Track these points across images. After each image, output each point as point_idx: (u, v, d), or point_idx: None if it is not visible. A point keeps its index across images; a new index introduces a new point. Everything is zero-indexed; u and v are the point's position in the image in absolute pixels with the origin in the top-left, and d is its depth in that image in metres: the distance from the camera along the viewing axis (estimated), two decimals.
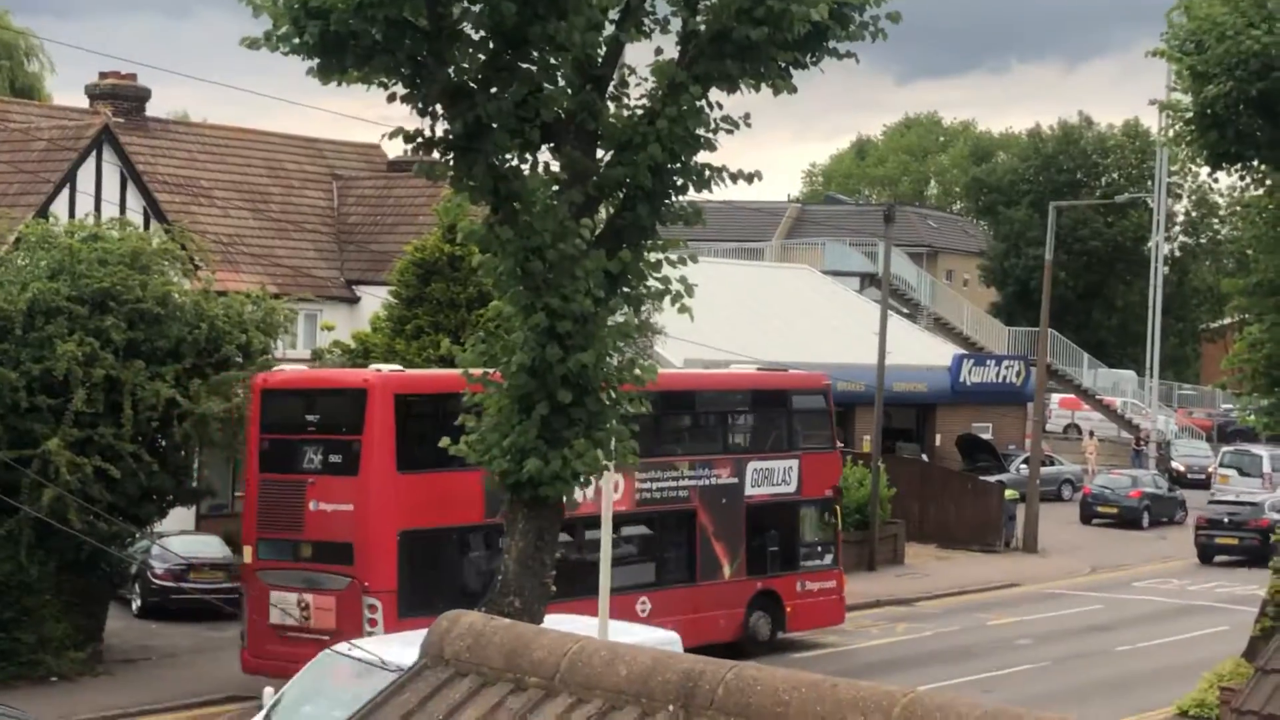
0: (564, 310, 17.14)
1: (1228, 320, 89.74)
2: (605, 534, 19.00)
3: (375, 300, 40.20)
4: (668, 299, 17.83)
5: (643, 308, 18.49)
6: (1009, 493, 49.13)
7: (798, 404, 34.35)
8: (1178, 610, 39.30)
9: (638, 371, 18.25)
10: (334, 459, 26.39)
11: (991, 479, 51.40)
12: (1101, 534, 52.74)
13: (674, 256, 18.04)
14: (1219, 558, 47.41)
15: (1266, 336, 28.96)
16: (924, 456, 55.18)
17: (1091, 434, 70.26)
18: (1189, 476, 64.12)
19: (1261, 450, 61.23)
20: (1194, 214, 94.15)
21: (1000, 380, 59.76)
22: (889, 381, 46.92)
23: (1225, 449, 64.17)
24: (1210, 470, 63.09)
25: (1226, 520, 48.02)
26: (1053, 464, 59.85)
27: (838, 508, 34.12)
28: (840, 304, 61.07)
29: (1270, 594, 29.27)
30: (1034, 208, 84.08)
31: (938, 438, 58.25)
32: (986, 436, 59.41)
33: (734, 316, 49.87)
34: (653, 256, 17.91)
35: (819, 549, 33.62)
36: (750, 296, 55.46)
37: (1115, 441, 71.34)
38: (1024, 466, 54.49)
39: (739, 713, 5.02)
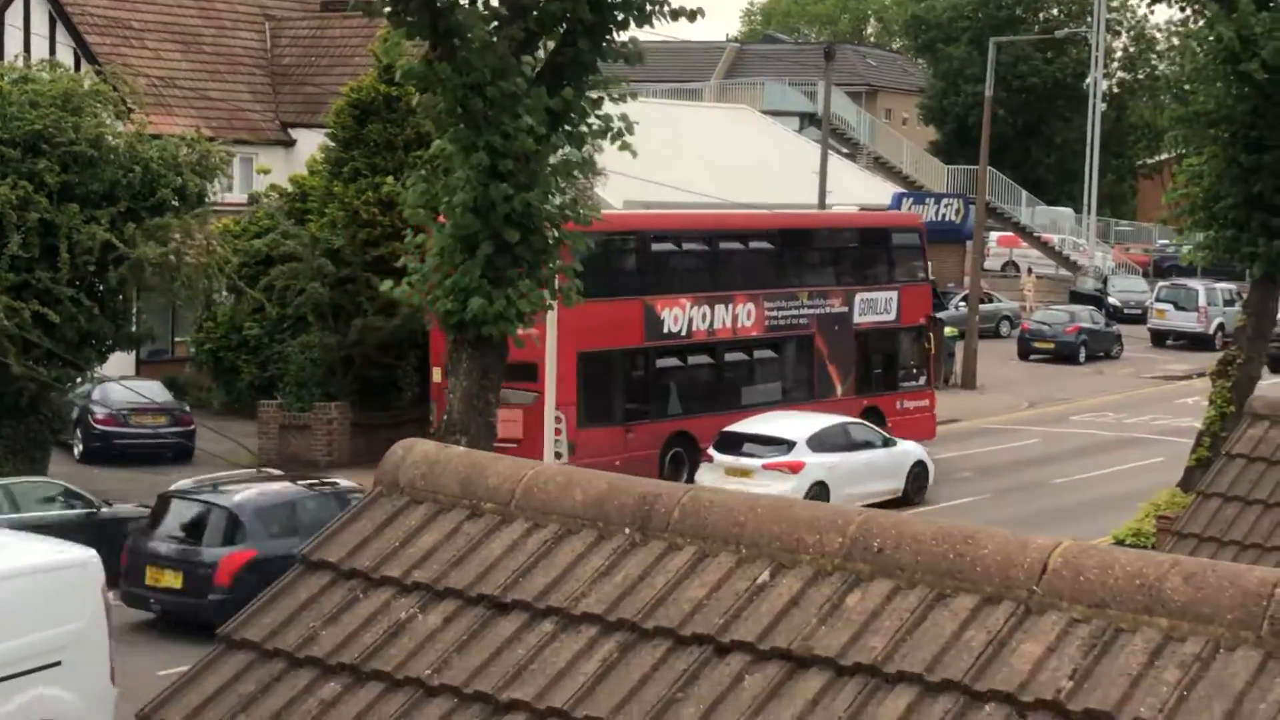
0: (506, 148, 16.97)
1: (1165, 156, 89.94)
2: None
3: (311, 143, 39.73)
4: (609, 137, 17.70)
5: (584, 146, 18.32)
6: (948, 330, 49.36)
7: (897, 240, 38.25)
8: (1114, 443, 39.79)
9: (582, 210, 18.14)
10: None
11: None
12: (1039, 369, 53.20)
13: (615, 94, 17.85)
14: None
15: (1206, 168, 29.00)
16: None
17: (1030, 271, 70.63)
18: (1126, 312, 64.68)
19: (1197, 284, 61.76)
20: (1132, 49, 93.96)
21: (940, 219, 59.79)
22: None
23: (1161, 284, 64.67)
24: (1147, 305, 63.66)
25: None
26: (991, 301, 60.18)
27: (930, 334, 37.46)
28: (780, 144, 60.81)
29: (1206, 425, 29.63)
30: (973, 45, 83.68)
31: None
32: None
33: (673, 157, 49.54)
34: (594, 94, 17.73)
35: (915, 371, 37.08)
36: (689, 137, 55.10)
37: (1053, 279, 71.74)
38: (963, 304, 54.75)
39: (695, 534, 5.04)
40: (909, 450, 31.93)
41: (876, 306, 36.29)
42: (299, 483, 23.55)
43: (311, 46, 46.14)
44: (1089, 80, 75.14)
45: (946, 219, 60.17)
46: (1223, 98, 28.80)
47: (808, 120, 67.49)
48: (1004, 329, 60.21)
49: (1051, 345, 54.69)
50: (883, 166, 66.73)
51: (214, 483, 23.54)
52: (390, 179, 27.66)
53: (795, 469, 29.10)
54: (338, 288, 33.61)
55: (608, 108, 17.72)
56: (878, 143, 69.23)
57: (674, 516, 5.09)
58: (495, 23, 17.32)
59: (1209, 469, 26.94)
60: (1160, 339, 60.16)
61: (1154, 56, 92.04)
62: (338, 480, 24.42)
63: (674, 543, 5.05)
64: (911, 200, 59.74)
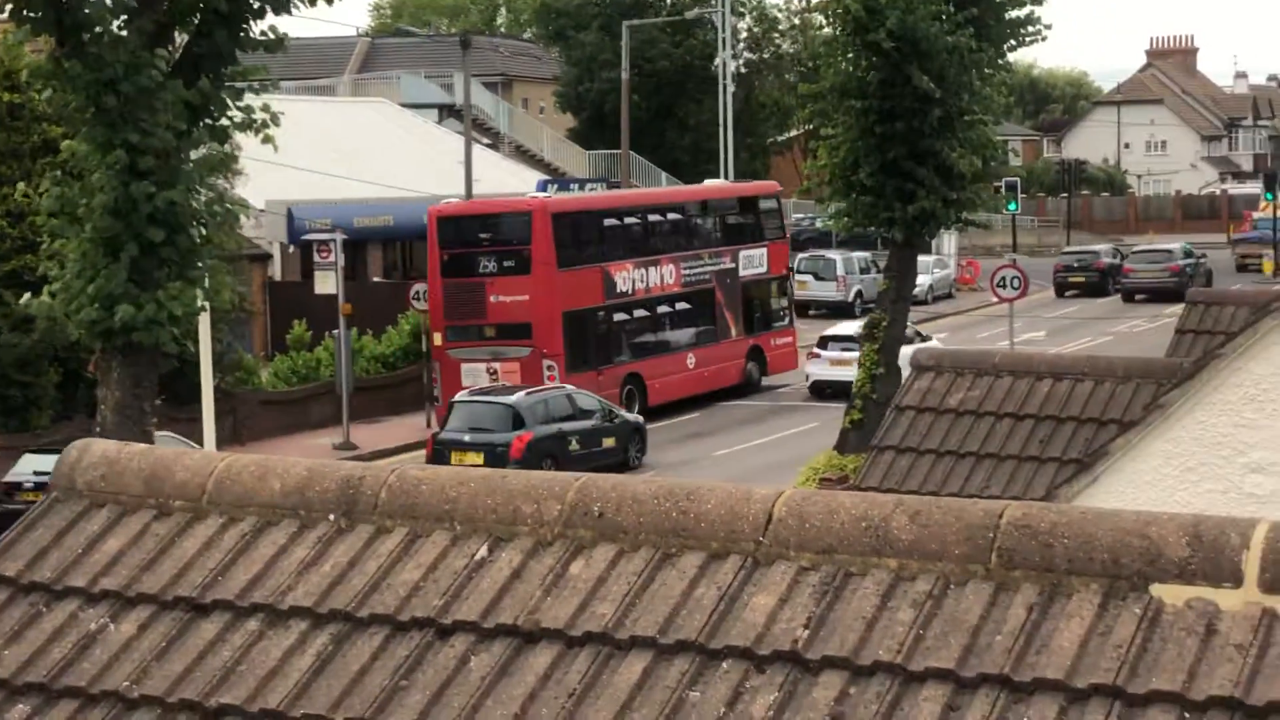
0: (144, 145, 16.32)
1: (794, 133, 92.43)
2: None
3: None
4: (252, 129, 17.18)
5: (226, 142, 17.75)
6: None
7: (763, 205, 45.32)
8: (770, 411, 40.61)
9: (229, 206, 17.58)
10: (508, 263, 36.79)
11: None
12: None
13: (257, 83, 17.35)
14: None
15: (842, 139, 29.80)
16: None
17: None
18: None
19: (835, 255, 63.53)
20: (756, 30, 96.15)
21: None
22: None
23: (801, 256, 66.33)
24: None
25: None
26: None
27: (789, 283, 46.13)
28: (421, 136, 60.41)
29: (857, 387, 30.47)
30: (604, 31, 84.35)
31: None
32: None
33: (313, 155, 48.76)
34: (236, 85, 17.20)
35: (781, 313, 44.72)
36: (328, 133, 54.29)
37: None
38: None
39: (405, 515, 4.80)
40: None
41: (754, 261, 43.43)
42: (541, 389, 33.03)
43: None
44: (717, 62, 76.61)
45: None
46: (853, 70, 29.61)
47: (447, 112, 67.23)
48: None
49: None
50: (524, 155, 66.92)
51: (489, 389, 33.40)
52: (20, 186, 26.58)
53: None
54: None
55: (250, 99, 17.19)
56: (517, 132, 69.40)
57: (381, 498, 4.84)
58: (125, 16, 16.63)
59: (863, 428, 27.61)
60: (803, 309, 61.63)
61: (777, 36, 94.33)
62: (565, 385, 33.80)
63: (383, 526, 4.81)
64: (556, 186, 59.89)
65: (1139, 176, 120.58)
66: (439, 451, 30.86)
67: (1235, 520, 4.11)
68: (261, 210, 44.65)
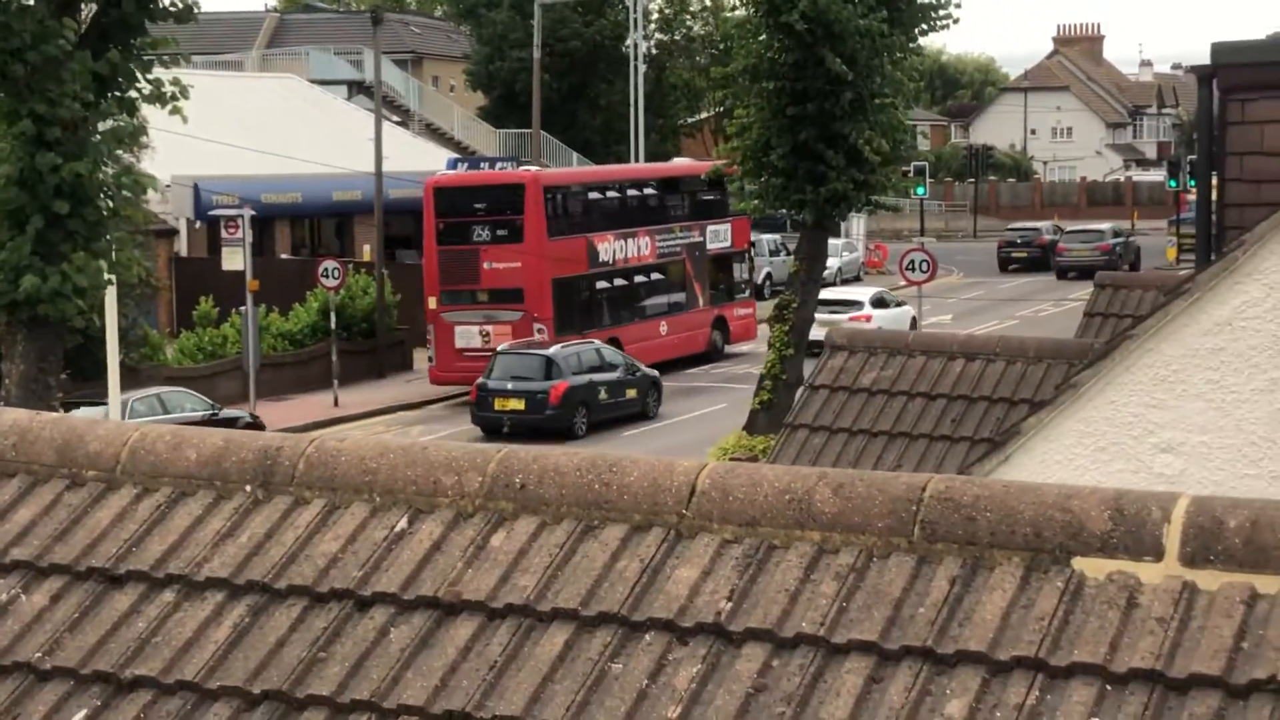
0: (51, 115, 16.09)
1: (705, 115, 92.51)
2: None
3: None
4: (160, 101, 16.97)
5: (135, 115, 17.50)
6: None
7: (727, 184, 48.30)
8: (679, 392, 40.65)
9: (136, 179, 17.37)
10: (501, 232, 39.36)
11: None
12: None
13: (166, 55, 17.14)
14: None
15: (754, 120, 29.84)
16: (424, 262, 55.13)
17: None
18: None
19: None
20: (668, 11, 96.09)
21: None
22: (386, 189, 46.46)
23: None
24: None
25: None
26: None
27: (750, 256, 49.43)
28: (330, 113, 59.97)
29: (767, 368, 30.54)
30: (515, 9, 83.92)
31: None
32: None
33: (221, 131, 48.25)
34: (145, 57, 16.97)
35: (743, 285, 48.06)
36: (235, 109, 53.78)
37: None
38: None
39: (324, 486, 4.74)
40: None
41: (719, 236, 46.72)
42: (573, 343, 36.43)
43: None
44: (629, 42, 76.49)
45: None
46: (765, 51, 29.64)
47: (356, 88, 66.77)
48: None
49: None
50: (435, 133, 66.60)
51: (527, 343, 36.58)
52: None
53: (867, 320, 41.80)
54: None
55: (159, 71, 16.97)
56: (428, 110, 69.05)
57: (299, 469, 4.78)
58: None
59: (772, 409, 27.68)
60: None
61: (689, 17, 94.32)
62: (592, 340, 37.50)
63: (301, 496, 4.75)
64: (467, 165, 59.66)
65: (1045, 163, 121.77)
66: (483, 399, 34.63)
67: (1157, 494, 4.14)
68: (168, 185, 44.15)
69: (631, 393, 36.07)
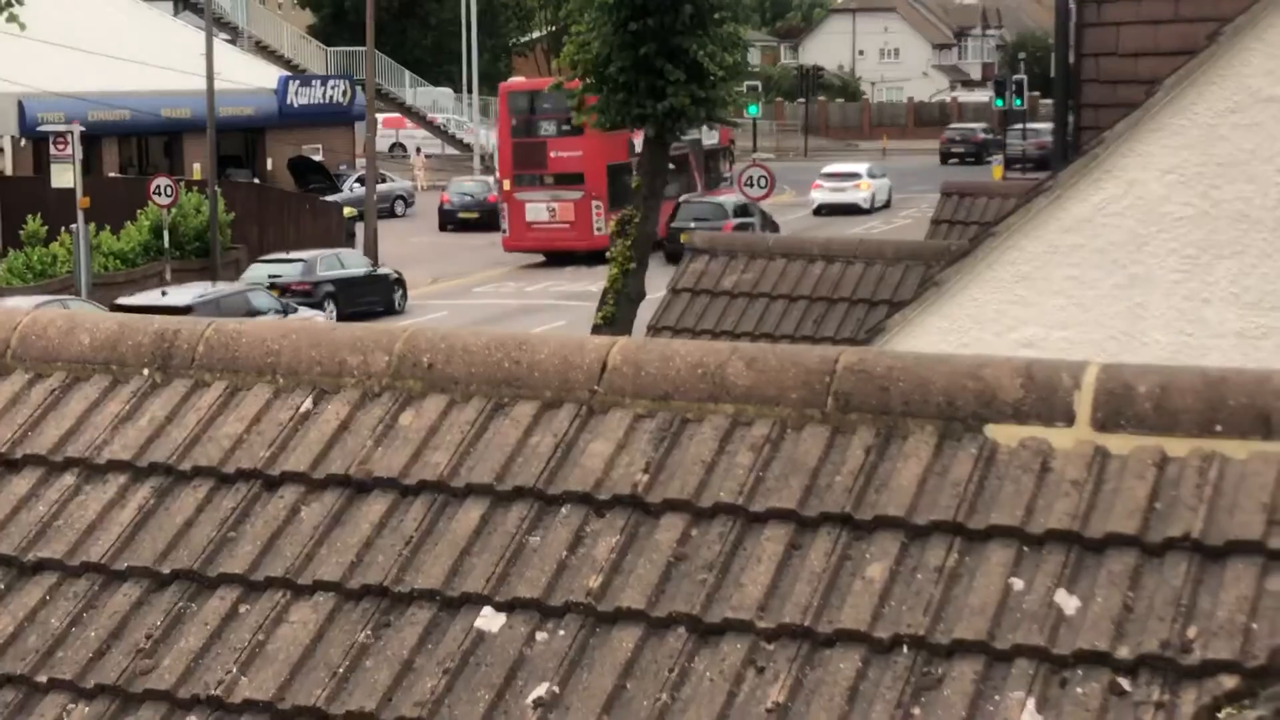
0: None
1: (537, 35, 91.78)
2: None
3: None
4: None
5: None
6: (347, 211, 49.10)
7: None
8: (519, 310, 40.60)
9: None
10: (564, 127, 45.18)
11: (327, 199, 51.20)
12: (443, 244, 53.63)
13: None
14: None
15: (594, 35, 29.65)
16: (256, 180, 54.27)
17: (419, 150, 70.91)
18: None
19: None
20: None
21: (328, 101, 59.20)
22: (217, 106, 45.54)
23: None
24: None
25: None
26: (385, 182, 60.15)
27: (731, 151, 60.35)
28: (157, 29, 58.59)
29: (610, 283, 30.49)
30: None
31: (269, 161, 57.34)
32: (318, 158, 58.94)
33: (45, 46, 46.95)
34: None
35: (725, 175, 56.34)
36: (60, 25, 52.29)
37: (441, 156, 72.32)
38: (357, 185, 54.48)
39: (225, 368, 4.66)
40: None
41: (710, 134, 53.50)
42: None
43: None
44: None
45: (334, 100, 59.63)
46: None
47: (183, 4, 65.30)
48: (399, 208, 60.38)
49: (477, 215, 55.67)
50: (265, 51, 65.39)
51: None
52: None
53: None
54: None
55: None
56: (257, 26, 67.72)
57: (199, 351, 4.69)
58: None
59: (614, 323, 27.62)
60: None
61: None
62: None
63: (201, 379, 4.66)
64: (298, 83, 58.85)
65: (873, 83, 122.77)
66: (673, 233, 41.17)
67: (1067, 362, 4.20)
68: None
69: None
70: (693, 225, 43.50)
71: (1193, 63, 8.61)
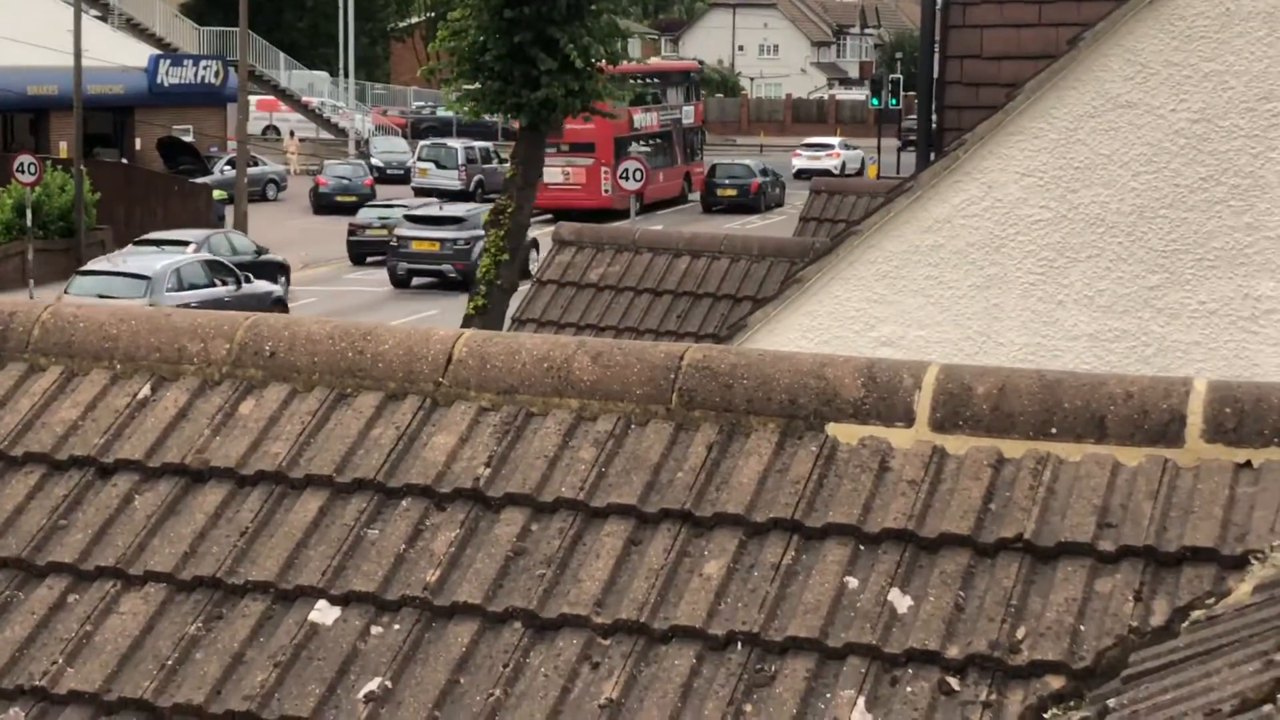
0: None
1: (415, 20, 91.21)
2: None
3: None
4: None
5: None
6: (217, 193, 48.52)
7: (693, 76, 70.51)
8: (391, 297, 40.33)
9: None
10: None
11: (197, 181, 50.56)
12: (317, 229, 53.12)
13: None
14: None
15: (472, 23, 29.52)
16: (124, 160, 53.47)
17: (292, 134, 70.24)
18: (389, 172, 65.51)
19: (456, 143, 63.24)
20: None
21: (199, 81, 58.46)
22: (85, 85, 44.80)
23: (422, 144, 65.83)
24: (409, 165, 64.72)
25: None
26: (257, 164, 59.50)
27: (703, 130, 69.55)
28: (24, 3, 57.46)
29: (482, 273, 30.40)
30: None
31: (138, 141, 56.51)
32: (188, 139, 58.19)
33: None
34: None
35: (698, 151, 66.21)
36: None
37: (315, 140, 71.67)
38: (228, 168, 53.85)
39: (61, 353, 4.57)
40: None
41: (689, 114, 65.69)
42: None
43: None
44: None
45: (206, 81, 58.89)
46: None
47: None
48: (270, 191, 59.77)
49: (355, 198, 55.19)
50: (135, 28, 64.35)
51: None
52: None
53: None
54: None
55: None
56: (127, 4, 66.62)
57: (34, 335, 4.59)
58: None
59: (487, 314, 27.55)
60: (424, 196, 61.34)
61: None
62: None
63: (36, 363, 4.57)
64: (170, 62, 58.04)
65: (752, 79, 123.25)
66: (710, 188, 59.96)
67: (908, 362, 4.22)
68: None
69: (775, 191, 62.57)
70: (727, 182, 60.27)
71: (1053, 67, 8.71)
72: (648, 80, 61.89)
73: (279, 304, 34.37)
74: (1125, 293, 8.73)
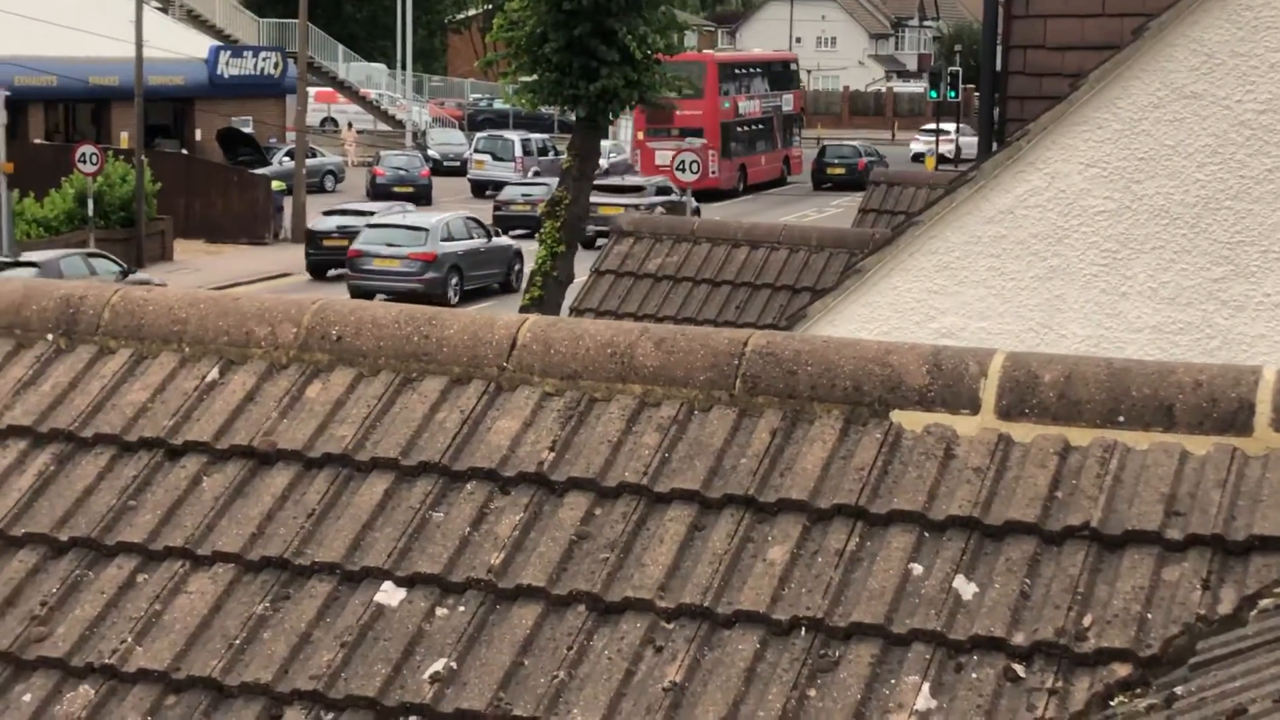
0: None
1: (472, 12, 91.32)
2: None
3: None
4: None
5: None
6: (275, 185, 48.76)
7: (792, 67, 74.75)
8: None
9: None
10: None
11: (256, 172, 50.82)
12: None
13: None
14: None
15: (529, 13, 29.55)
16: (184, 151, 53.82)
17: (350, 126, 70.51)
18: (445, 164, 65.68)
19: (513, 135, 63.35)
20: None
21: (259, 73, 58.76)
22: (146, 75, 45.13)
23: (479, 136, 65.97)
24: (466, 157, 64.86)
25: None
26: (315, 156, 59.78)
27: (802, 117, 74.13)
28: None
29: (538, 264, 30.45)
30: None
31: (198, 132, 56.85)
32: (248, 130, 58.50)
33: None
34: None
35: (796, 136, 71.30)
36: None
37: (373, 132, 71.93)
38: (287, 159, 54.10)
39: (130, 335, 4.61)
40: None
41: (789, 102, 70.29)
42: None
43: None
44: None
45: (265, 73, 59.18)
46: None
47: None
48: (328, 183, 60.01)
49: (411, 189, 55.33)
50: (196, 20, 64.78)
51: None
52: None
53: None
54: None
55: None
56: None
57: (104, 318, 4.63)
58: None
59: (542, 304, 27.55)
60: (480, 189, 61.43)
61: None
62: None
63: (106, 346, 4.61)
64: (230, 54, 58.37)
65: (809, 71, 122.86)
66: (820, 166, 66.06)
67: (974, 350, 4.21)
68: None
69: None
70: (836, 161, 65.51)
71: (1118, 57, 8.66)
72: (751, 69, 68.69)
73: (518, 256, 40.50)
74: (1189, 285, 8.68)
